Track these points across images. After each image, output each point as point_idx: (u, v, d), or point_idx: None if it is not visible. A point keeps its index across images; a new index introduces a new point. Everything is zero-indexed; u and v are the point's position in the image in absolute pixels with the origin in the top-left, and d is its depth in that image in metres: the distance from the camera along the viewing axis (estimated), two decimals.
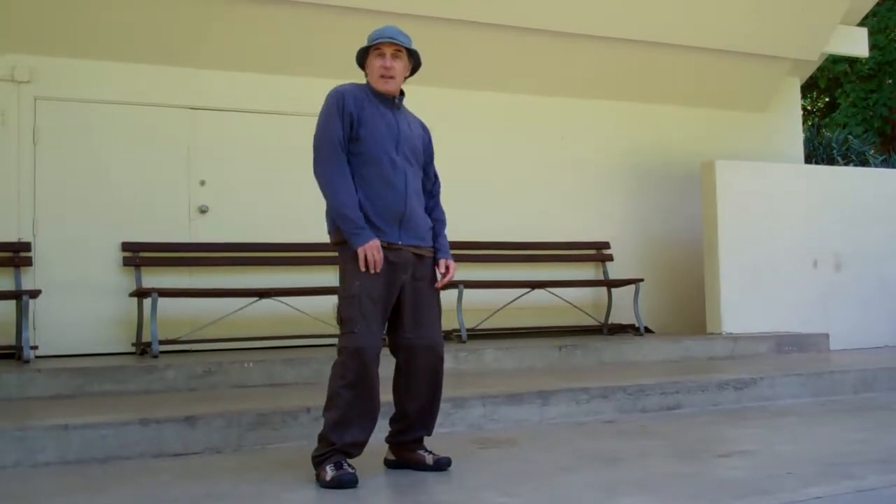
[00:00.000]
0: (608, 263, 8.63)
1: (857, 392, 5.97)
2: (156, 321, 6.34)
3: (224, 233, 7.31)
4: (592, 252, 8.63)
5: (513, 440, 4.40)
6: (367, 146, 3.57)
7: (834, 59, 15.32)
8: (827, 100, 18.27)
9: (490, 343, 7.18)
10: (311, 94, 7.28)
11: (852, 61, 15.75)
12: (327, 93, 3.65)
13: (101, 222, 6.99)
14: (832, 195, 8.64)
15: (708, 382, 5.52)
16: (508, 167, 8.37)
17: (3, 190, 6.78)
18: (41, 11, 6.74)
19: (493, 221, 8.21)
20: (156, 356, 6.15)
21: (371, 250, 3.46)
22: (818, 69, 13.78)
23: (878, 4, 13.72)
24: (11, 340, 6.44)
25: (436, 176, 3.91)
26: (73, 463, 3.95)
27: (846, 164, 11.53)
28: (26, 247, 6.71)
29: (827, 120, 16.66)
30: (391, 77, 3.63)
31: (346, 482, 3.35)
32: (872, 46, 14.22)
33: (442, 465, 3.66)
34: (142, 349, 6.54)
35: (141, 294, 6.62)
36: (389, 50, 3.64)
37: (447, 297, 7.56)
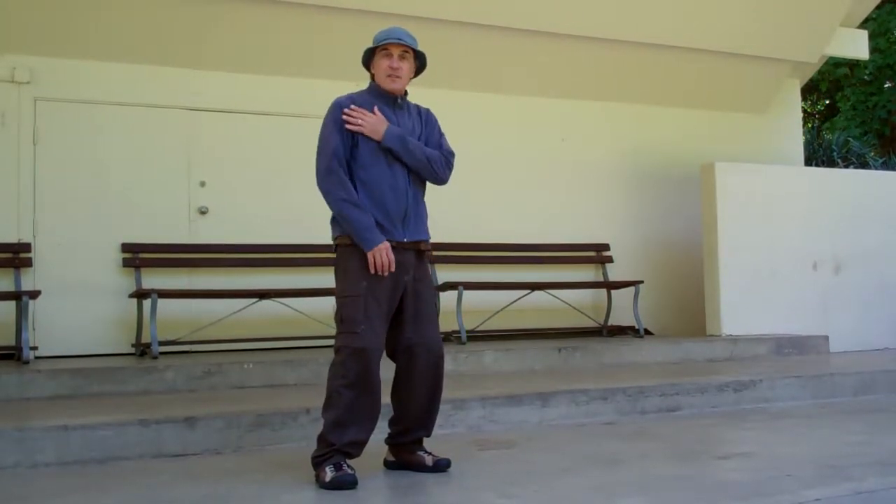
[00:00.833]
0: (608, 265, 8.63)
1: (857, 394, 5.97)
2: (155, 322, 6.34)
3: (224, 234, 7.31)
4: (592, 254, 8.63)
5: (512, 442, 4.39)
6: (369, 150, 3.60)
7: (835, 63, 15.34)
8: (827, 102, 18.28)
9: (490, 345, 7.18)
10: (312, 96, 7.32)
11: (853, 65, 15.76)
12: (331, 102, 3.68)
13: (101, 223, 6.99)
14: (832, 197, 8.64)
15: (707, 384, 5.52)
16: (508, 169, 8.37)
17: (3, 191, 6.78)
18: (41, 12, 6.74)
19: (493, 223, 8.21)
20: (155, 357, 6.15)
21: (381, 253, 3.48)
22: (819, 72, 13.81)
23: (878, 7, 13.73)
24: (11, 341, 6.44)
25: (448, 151, 3.81)
26: (72, 464, 3.95)
27: (846, 166, 11.54)
28: (26, 248, 6.71)
29: (828, 124, 16.66)
30: (398, 77, 3.67)
31: (346, 483, 3.35)
32: (873, 49, 14.24)
33: (441, 466, 3.66)
34: (141, 350, 6.54)
35: (141, 295, 6.62)
36: (397, 50, 3.67)
37: (447, 299, 7.60)
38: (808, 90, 16.74)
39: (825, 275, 8.50)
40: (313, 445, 3.55)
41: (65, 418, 4.19)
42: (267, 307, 6.99)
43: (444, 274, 7.82)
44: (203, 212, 7.32)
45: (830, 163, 11.52)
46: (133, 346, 6.77)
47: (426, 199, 3.84)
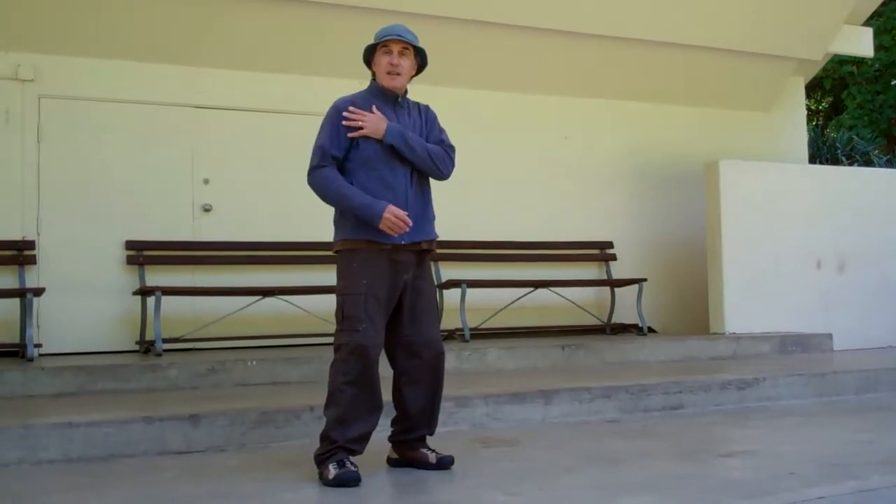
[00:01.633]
0: (611, 263, 8.62)
1: (860, 392, 5.96)
2: (159, 319, 6.36)
3: (227, 231, 7.32)
4: (595, 252, 8.63)
5: (515, 439, 4.40)
6: (367, 153, 3.60)
7: (840, 61, 15.30)
8: (831, 100, 18.24)
9: (493, 342, 7.19)
10: (315, 93, 7.32)
11: (858, 63, 15.72)
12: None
13: (104, 221, 7.00)
14: (836, 195, 8.62)
15: (710, 382, 5.52)
16: (512, 167, 8.37)
17: (7, 188, 6.79)
18: (45, 10, 6.75)
19: (497, 221, 8.21)
20: (159, 354, 6.16)
21: (390, 217, 3.48)
22: (823, 70, 13.77)
23: (883, 5, 13.68)
24: (15, 338, 6.45)
25: (449, 146, 3.81)
26: (76, 461, 3.96)
27: (850, 164, 11.50)
28: (30, 245, 6.72)
29: (833, 122, 16.63)
30: (398, 74, 3.67)
31: (349, 480, 3.36)
32: (878, 47, 14.20)
33: (445, 463, 3.66)
34: (145, 347, 6.56)
35: (144, 292, 6.63)
36: (397, 47, 3.67)
37: (450, 297, 7.60)
38: (813, 88, 16.70)
39: (829, 273, 8.49)
40: (317, 443, 3.56)
41: (69, 415, 4.20)
42: (270, 305, 6.99)
43: (447, 271, 7.83)
44: (207, 209, 7.33)
45: (835, 161, 11.50)
46: (137, 343, 6.79)
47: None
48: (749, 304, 8.08)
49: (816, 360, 7.05)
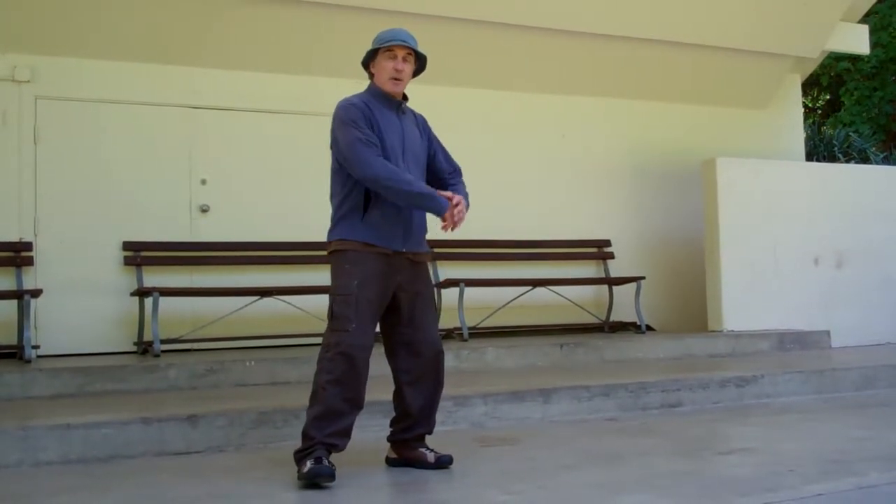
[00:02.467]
0: (609, 261, 8.62)
1: (859, 389, 5.97)
2: (157, 320, 6.35)
3: (225, 232, 7.31)
4: (594, 250, 8.63)
5: (514, 438, 4.40)
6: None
7: (837, 58, 15.31)
8: (828, 97, 18.25)
9: (492, 341, 7.18)
10: (313, 93, 7.35)
11: (855, 59, 15.74)
12: (337, 105, 3.66)
13: (102, 221, 6.99)
14: (833, 192, 8.63)
15: (709, 380, 5.52)
16: (509, 165, 8.36)
17: (4, 189, 6.78)
18: (42, 11, 6.74)
19: (494, 220, 8.20)
20: (157, 355, 6.16)
21: (450, 209, 3.63)
22: (820, 67, 13.78)
23: (878, 2, 13.72)
24: (13, 340, 6.44)
25: (454, 167, 3.94)
26: (74, 462, 3.96)
27: (847, 161, 11.51)
28: (27, 246, 6.71)
29: (831, 118, 16.64)
30: (400, 80, 3.67)
31: (322, 475, 3.34)
32: (875, 44, 14.21)
33: (444, 462, 3.67)
34: (143, 348, 6.55)
35: (142, 293, 6.62)
36: (402, 53, 3.66)
37: (449, 296, 7.60)
38: (809, 85, 16.71)
39: (827, 270, 8.49)
40: None
41: (67, 417, 4.19)
42: (268, 305, 6.99)
43: (445, 271, 7.82)
44: (204, 210, 7.32)
45: (832, 158, 11.50)
46: (135, 344, 6.78)
47: None
48: (747, 302, 8.08)
49: (815, 357, 7.05)
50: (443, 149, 3.93)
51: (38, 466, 3.89)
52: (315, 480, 3.33)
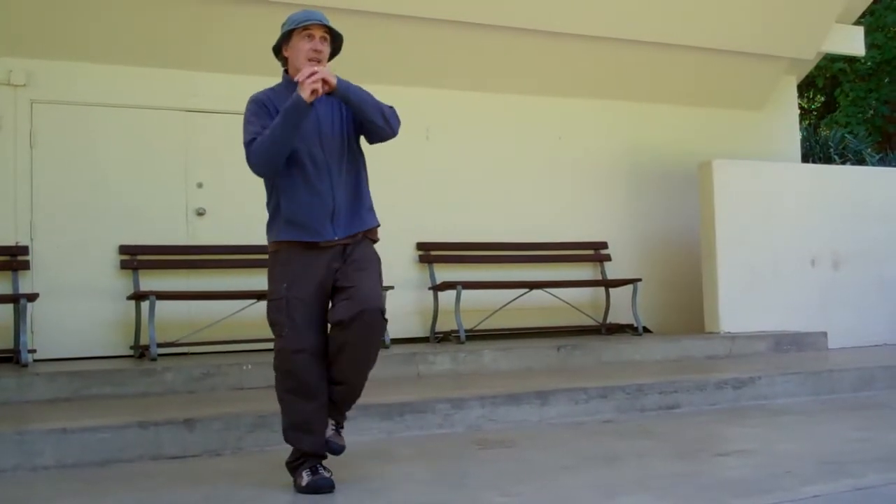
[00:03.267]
0: (606, 263, 8.63)
1: (856, 390, 5.97)
2: (154, 324, 6.34)
3: (221, 235, 7.30)
4: (590, 252, 8.63)
5: (512, 440, 4.39)
6: (290, 156, 3.44)
7: (832, 58, 15.34)
8: (824, 99, 18.29)
9: (489, 344, 7.18)
10: None
11: (851, 60, 15.77)
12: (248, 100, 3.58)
13: (98, 225, 6.98)
14: (830, 194, 8.64)
15: (706, 382, 5.52)
16: (506, 168, 8.36)
17: (0, 193, 6.77)
18: (38, 15, 6.73)
19: (491, 222, 8.21)
20: (154, 359, 6.14)
21: (305, 83, 3.27)
22: (816, 68, 13.79)
23: (874, 3, 13.73)
24: (9, 344, 6.43)
25: (383, 114, 3.50)
26: (71, 466, 3.95)
27: (843, 162, 11.54)
28: (24, 250, 6.70)
29: (827, 119, 16.67)
30: (319, 60, 3.50)
31: (323, 487, 3.31)
32: (871, 45, 14.23)
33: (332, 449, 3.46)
34: (140, 352, 6.54)
35: (139, 297, 6.61)
36: (319, 32, 3.54)
37: (446, 299, 7.59)
38: (805, 86, 16.74)
39: (823, 271, 8.50)
40: None
41: (64, 421, 4.18)
42: (264, 308, 6.95)
43: (442, 273, 7.82)
44: (200, 213, 7.32)
45: (828, 159, 11.52)
46: (131, 348, 6.77)
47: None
48: (744, 303, 8.09)
49: (812, 358, 7.06)
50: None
51: (34, 471, 3.88)
52: (316, 493, 3.30)
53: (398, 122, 3.55)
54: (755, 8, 8.57)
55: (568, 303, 8.20)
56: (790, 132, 9.99)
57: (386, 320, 3.42)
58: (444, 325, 7.64)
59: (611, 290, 8.37)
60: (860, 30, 9.96)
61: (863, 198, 8.76)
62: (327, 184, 3.45)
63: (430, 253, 7.94)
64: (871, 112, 15.95)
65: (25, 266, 6.67)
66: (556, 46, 8.24)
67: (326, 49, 3.56)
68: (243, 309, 6.92)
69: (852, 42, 9.84)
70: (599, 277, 8.53)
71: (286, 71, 3.64)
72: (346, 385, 3.44)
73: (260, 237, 7.35)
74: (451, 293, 7.49)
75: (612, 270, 8.62)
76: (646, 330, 8.40)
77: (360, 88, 3.46)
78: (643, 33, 8.39)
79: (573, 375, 5.92)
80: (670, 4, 8.27)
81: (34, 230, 6.84)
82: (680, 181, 9.01)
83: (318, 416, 3.42)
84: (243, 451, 4.25)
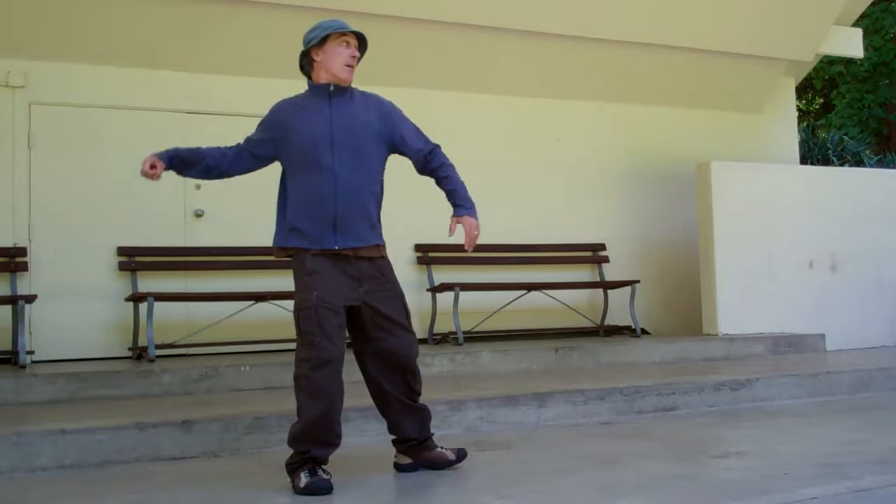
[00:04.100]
0: (604, 265, 8.63)
1: (854, 392, 5.98)
2: (152, 325, 6.33)
3: (219, 236, 7.30)
4: (588, 254, 8.64)
5: (509, 442, 4.39)
6: (295, 157, 3.59)
7: (830, 60, 15.37)
8: (822, 101, 18.31)
9: (486, 345, 7.18)
10: None
11: (848, 62, 15.80)
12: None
13: (96, 227, 6.98)
14: (828, 196, 8.64)
15: (704, 383, 5.53)
16: (504, 170, 8.36)
17: None
18: (35, 16, 6.73)
19: (489, 224, 8.13)
20: (152, 360, 6.15)
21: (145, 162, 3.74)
22: (814, 70, 13.82)
23: (872, 5, 13.75)
24: (7, 345, 6.42)
25: (429, 151, 3.75)
26: (69, 468, 3.94)
27: (841, 164, 11.55)
28: (22, 252, 6.70)
29: (823, 121, 16.69)
30: (353, 67, 3.63)
31: (321, 489, 3.31)
32: (868, 47, 14.25)
33: (462, 456, 3.70)
34: (138, 353, 6.54)
35: (137, 298, 6.61)
36: (354, 41, 3.65)
37: (443, 301, 7.59)
38: (803, 88, 16.77)
39: (821, 273, 8.51)
40: None
41: (62, 422, 4.18)
42: (263, 309, 6.97)
43: (440, 275, 7.82)
44: (199, 214, 7.32)
45: (826, 161, 11.54)
46: (130, 349, 6.77)
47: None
48: (742, 305, 8.09)
49: (809, 360, 7.06)
50: (412, 127, 3.75)
51: (32, 472, 3.88)
52: (314, 495, 3.30)
53: (451, 165, 3.98)
54: (753, 10, 8.57)
55: (566, 304, 8.20)
56: (788, 134, 9.99)
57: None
58: (443, 326, 7.63)
59: (609, 291, 8.38)
60: (858, 31, 9.97)
61: (861, 200, 8.76)
62: (331, 190, 3.49)
63: (428, 254, 7.94)
64: (867, 114, 15.98)
65: (23, 267, 6.67)
66: (555, 48, 8.25)
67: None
68: (241, 310, 6.92)
69: (850, 44, 9.85)
70: (597, 279, 8.54)
71: (309, 76, 3.70)
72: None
73: (258, 238, 7.41)
74: (450, 295, 7.49)
75: (610, 272, 8.62)
76: (644, 332, 8.40)
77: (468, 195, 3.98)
78: (642, 35, 8.40)
79: (571, 377, 5.93)
80: (669, 7, 8.28)
81: (32, 231, 6.84)
82: (678, 183, 9.02)
83: (333, 425, 3.46)
84: (241, 452, 4.24)
